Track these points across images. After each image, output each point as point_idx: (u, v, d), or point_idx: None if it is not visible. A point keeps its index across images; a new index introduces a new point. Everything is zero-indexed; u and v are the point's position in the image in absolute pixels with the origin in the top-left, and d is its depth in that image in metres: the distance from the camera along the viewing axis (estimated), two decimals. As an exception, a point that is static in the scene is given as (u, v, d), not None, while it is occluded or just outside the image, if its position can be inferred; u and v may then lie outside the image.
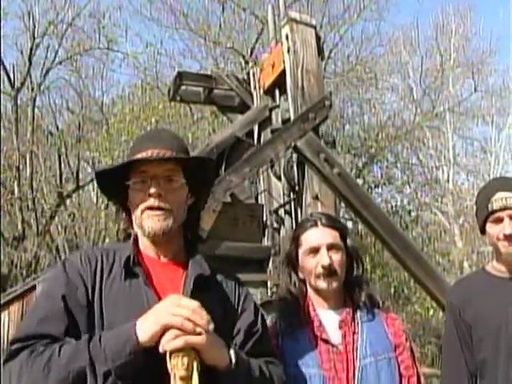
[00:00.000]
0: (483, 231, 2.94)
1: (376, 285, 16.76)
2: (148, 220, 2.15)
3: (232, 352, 2.05)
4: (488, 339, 2.83)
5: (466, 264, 20.26)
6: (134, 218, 2.22)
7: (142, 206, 2.16)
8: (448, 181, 22.71)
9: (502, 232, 2.80)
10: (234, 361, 2.03)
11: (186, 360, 1.87)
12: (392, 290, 17.20)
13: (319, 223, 2.71)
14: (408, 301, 17.85)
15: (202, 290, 2.11)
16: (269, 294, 7.19)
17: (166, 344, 1.88)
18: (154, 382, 1.94)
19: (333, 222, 2.75)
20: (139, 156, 2.18)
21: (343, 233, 2.74)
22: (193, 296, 2.05)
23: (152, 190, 2.14)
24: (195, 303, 1.94)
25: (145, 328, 1.90)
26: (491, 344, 2.82)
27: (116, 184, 2.23)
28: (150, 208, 2.15)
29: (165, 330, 1.89)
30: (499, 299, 2.87)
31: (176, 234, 2.25)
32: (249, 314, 2.27)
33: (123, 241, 2.32)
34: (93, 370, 1.86)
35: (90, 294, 2.08)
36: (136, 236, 2.25)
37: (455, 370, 2.98)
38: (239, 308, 2.27)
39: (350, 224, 16.01)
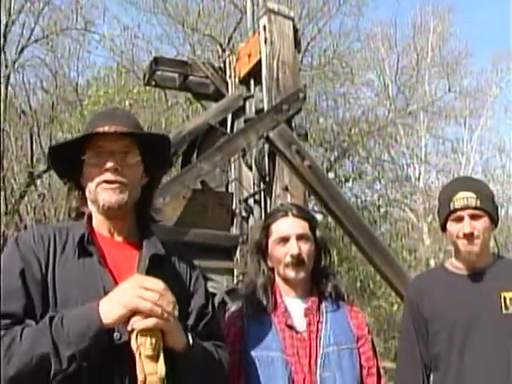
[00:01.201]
0: (444, 229, 3.02)
1: (342, 278, 16.89)
2: (103, 193, 2.15)
3: (189, 334, 2.09)
4: (443, 334, 2.91)
5: (432, 262, 20.48)
6: (88, 193, 2.21)
7: (97, 180, 2.16)
8: (418, 179, 22.93)
9: (462, 231, 2.88)
10: (191, 343, 2.07)
11: (153, 340, 1.90)
12: (358, 283, 17.35)
13: (290, 213, 2.77)
14: (373, 295, 18.02)
15: (157, 270, 2.12)
16: (234, 281, 7.24)
17: (136, 323, 1.89)
18: (114, 361, 1.96)
19: (303, 213, 2.81)
20: (92, 131, 2.18)
21: (313, 224, 2.81)
22: (148, 275, 2.06)
23: (109, 164, 2.14)
24: (162, 285, 1.95)
25: (111, 310, 1.89)
26: (446, 338, 2.90)
27: (70, 160, 2.22)
28: (106, 182, 2.15)
29: (132, 313, 1.90)
30: (456, 295, 2.96)
31: (130, 212, 2.27)
32: (200, 297, 2.31)
33: (75, 219, 2.29)
34: (57, 355, 1.84)
35: (43, 272, 2.06)
36: (90, 214, 2.25)
37: (410, 362, 3.07)
38: (191, 289, 2.31)
39: (319, 217, 16.09)
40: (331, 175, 16.88)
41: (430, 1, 26.80)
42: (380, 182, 18.84)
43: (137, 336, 1.88)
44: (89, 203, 2.25)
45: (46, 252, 2.10)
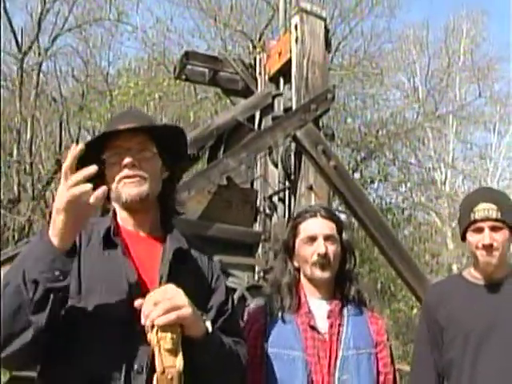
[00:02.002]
0: (464, 238, 3.04)
1: (364, 279, 16.86)
2: (125, 187, 2.22)
3: (208, 323, 2.12)
4: (457, 341, 2.93)
5: (454, 266, 20.35)
6: (111, 192, 2.25)
7: (118, 177, 2.22)
8: (445, 183, 22.79)
9: (482, 242, 2.90)
10: (209, 330, 2.11)
11: (174, 335, 1.94)
12: (379, 285, 17.29)
13: (318, 214, 2.81)
14: (394, 298, 17.95)
15: (180, 264, 2.18)
16: (255, 278, 7.28)
17: (157, 318, 1.92)
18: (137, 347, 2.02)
19: (331, 215, 2.85)
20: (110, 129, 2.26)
21: (340, 226, 2.85)
22: (171, 269, 2.13)
23: (126, 160, 2.20)
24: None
25: (54, 227, 1.93)
26: (460, 345, 2.92)
27: (92, 163, 2.25)
28: (126, 177, 2.21)
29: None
30: (472, 304, 2.98)
31: (152, 206, 2.33)
32: (220, 293, 2.35)
33: (101, 215, 2.35)
34: (24, 285, 1.88)
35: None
36: (114, 211, 2.31)
37: (424, 369, 3.09)
38: (212, 285, 2.35)
39: (342, 216, 16.08)
40: (357, 176, 16.84)
41: (465, 4, 26.60)
42: (406, 184, 18.76)
43: (157, 330, 1.92)
44: (113, 203, 2.32)
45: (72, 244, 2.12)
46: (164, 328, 1.93)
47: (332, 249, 2.73)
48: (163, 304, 1.94)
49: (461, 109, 23.14)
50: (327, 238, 2.74)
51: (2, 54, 16.01)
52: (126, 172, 2.21)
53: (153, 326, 1.94)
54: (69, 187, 1.88)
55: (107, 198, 2.31)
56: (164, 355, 1.92)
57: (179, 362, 1.94)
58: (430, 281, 7.94)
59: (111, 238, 2.18)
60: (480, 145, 25.56)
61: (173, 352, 1.93)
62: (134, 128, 2.25)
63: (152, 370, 1.95)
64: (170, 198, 2.42)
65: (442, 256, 20.53)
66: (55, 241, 1.92)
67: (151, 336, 1.94)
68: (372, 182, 17.20)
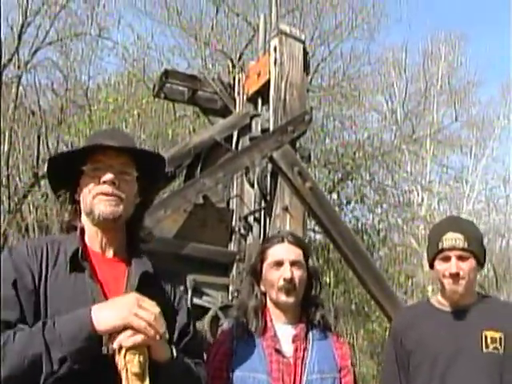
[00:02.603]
0: (432, 266, 3.11)
1: (338, 300, 16.89)
2: (100, 204, 2.24)
3: (173, 347, 2.18)
4: (424, 366, 3.00)
5: (429, 288, 20.45)
6: (83, 205, 2.29)
7: (94, 192, 2.24)
8: (421, 205, 22.93)
9: (449, 270, 2.98)
10: (175, 355, 2.16)
11: (141, 357, 1.97)
12: (353, 306, 17.32)
13: (286, 240, 2.88)
14: (368, 318, 17.98)
15: (145, 288, 2.20)
16: (229, 298, 7.29)
17: (124, 341, 1.96)
18: (101, 373, 2.01)
19: (298, 241, 2.92)
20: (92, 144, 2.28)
21: (306, 253, 2.90)
22: (137, 292, 2.15)
23: (107, 176, 2.23)
24: (157, 309, 2.03)
25: (105, 319, 1.96)
26: (426, 371, 2.98)
27: (66, 173, 2.31)
28: (103, 194, 2.23)
29: (124, 327, 1.97)
30: (439, 330, 3.05)
31: (121, 228, 2.35)
32: (182, 315, 2.40)
33: (67, 232, 2.35)
34: (48, 356, 1.89)
35: (36, 284, 2.12)
36: (82, 228, 2.32)
37: None
38: (175, 308, 2.39)
39: (318, 237, 16.11)
40: (334, 196, 16.89)
41: (442, 28, 26.91)
42: (381, 206, 18.85)
43: (125, 353, 1.95)
44: (82, 216, 2.33)
45: (38, 264, 2.16)
46: (132, 351, 1.96)
47: (298, 274, 2.79)
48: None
49: (437, 132, 23.35)
50: (293, 263, 2.80)
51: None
52: (104, 188, 2.23)
53: (120, 349, 1.96)
54: (140, 317, 1.97)
55: (75, 210, 2.34)
56: (131, 379, 1.94)
57: None
58: (404, 303, 8.00)
59: (78, 261, 2.18)
60: (456, 168, 25.79)
61: (140, 376, 1.96)
62: (120, 147, 2.28)
63: None
64: (139, 224, 2.44)
65: (417, 277, 20.61)
66: (98, 328, 1.95)
67: (119, 359, 1.96)
68: (348, 202, 17.25)
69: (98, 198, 2.24)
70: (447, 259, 2.99)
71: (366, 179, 18.14)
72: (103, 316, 1.96)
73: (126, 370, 1.94)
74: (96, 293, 2.13)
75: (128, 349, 1.96)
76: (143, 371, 1.97)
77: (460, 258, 2.97)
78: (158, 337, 2.00)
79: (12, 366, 1.90)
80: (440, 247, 3.00)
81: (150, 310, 2.00)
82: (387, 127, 20.88)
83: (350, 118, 18.28)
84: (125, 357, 1.95)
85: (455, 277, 2.97)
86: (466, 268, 2.98)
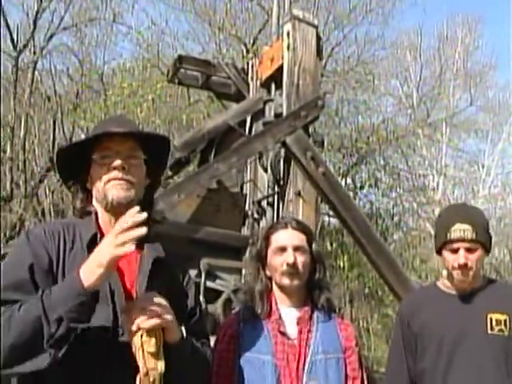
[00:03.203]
0: (439, 252, 3.15)
1: (352, 283, 16.93)
2: (112, 189, 2.28)
3: (183, 328, 2.25)
4: (430, 349, 3.05)
5: (444, 272, 20.40)
6: (95, 192, 2.33)
7: (105, 178, 2.28)
8: (435, 189, 22.88)
9: (457, 261, 3.02)
10: (184, 335, 2.23)
11: (157, 338, 2.06)
12: (367, 290, 17.36)
13: (289, 226, 2.94)
14: (382, 302, 18.02)
15: (156, 272, 2.27)
16: (242, 281, 7.37)
17: (142, 323, 2.03)
18: (115, 355, 2.09)
19: (302, 227, 2.98)
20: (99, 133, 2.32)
21: (310, 238, 2.96)
22: (149, 276, 2.22)
23: (117, 162, 2.27)
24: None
25: (91, 270, 2.02)
26: (433, 353, 3.03)
27: (76, 163, 2.36)
28: (114, 179, 2.28)
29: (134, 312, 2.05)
30: (445, 313, 3.09)
31: None
32: (191, 298, 2.47)
33: (80, 217, 2.40)
34: (46, 318, 1.96)
35: (54, 266, 2.18)
36: (96, 214, 2.37)
37: (397, 376, 3.20)
38: (184, 290, 2.46)
39: (332, 221, 16.13)
40: (348, 181, 16.89)
41: (460, 11, 26.71)
42: (396, 190, 18.82)
43: (141, 334, 2.03)
44: (95, 204, 2.38)
45: (56, 247, 2.22)
46: (148, 332, 2.04)
47: (301, 259, 2.86)
48: (150, 309, 2.06)
49: (453, 116, 23.25)
50: (296, 248, 2.87)
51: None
52: (115, 174, 2.28)
53: (137, 330, 2.03)
54: (115, 246, 2.00)
55: (87, 198, 2.40)
56: (147, 358, 2.02)
57: (161, 364, 2.05)
58: (417, 287, 8.03)
59: (95, 247, 2.19)
60: (471, 152, 25.68)
61: (155, 355, 2.04)
62: (126, 132, 2.33)
63: (133, 372, 2.05)
64: (149, 205, 2.48)
65: (431, 261, 20.60)
66: (87, 284, 2.00)
67: (135, 339, 2.04)
68: (362, 187, 17.24)
69: (111, 183, 2.28)
70: (455, 251, 3.04)
71: (380, 164, 18.12)
72: (88, 269, 2.02)
73: (143, 350, 2.03)
74: (112, 276, 2.18)
75: (145, 330, 2.04)
76: (158, 351, 2.06)
77: (468, 250, 3.01)
78: (170, 317, 2.09)
79: (17, 332, 1.97)
80: (448, 238, 3.04)
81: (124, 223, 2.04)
82: (402, 111, 20.86)
83: (364, 102, 18.23)
84: (141, 337, 2.03)
85: (463, 268, 3.01)
86: (474, 258, 3.02)
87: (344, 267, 15.12)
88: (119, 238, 2.00)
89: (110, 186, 2.28)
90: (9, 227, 15.68)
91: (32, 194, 16.42)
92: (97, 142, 2.32)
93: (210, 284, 7.00)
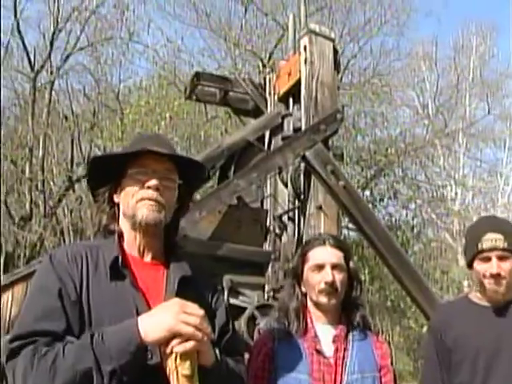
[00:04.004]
0: (470, 266, 3.11)
1: (373, 296, 16.85)
2: (143, 208, 2.23)
3: (217, 350, 2.20)
4: (466, 363, 2.99)
5: (465, 283, 20.30)
6: (125, 207, 2.29)
7: (138, 196, 2.24)
8: (454, 200, 22.77)
9: (489, 271, 2.98)
10: (219, 358, 2.18)
11: (191, 361, 2.00)
12: (389, 303, 17.28)
13: (327, 243, 2.89)
14: (403, 315, 17.93)
15: (184, 291, 2.21)
16: (265, 297, 7.33)
17: (176, 347, 1.97)
18: (147, 380, 2.03)
19: (339, 244, 2.94)
20: (140, 148, 2.28)
21: (347, 255, 2.92)
22: (177, 297, 2.15)
23: (153, 182, 2.23)
24: (201, 312, 2.04)
25: (153, 330, 1.97)
26: (469, 368, 2.98)
27: (105, 174, 2.32)
28: (147, 199, 2.23)
29: (174, 335, 1.98)
30: (480, 326, 3.04)
31: (160, 233, 2.35)
32: (221, 315, 2.41)
33: (104, 237, 2.36)
34: (98, 369, 1.91)
35: (78, 292, 2.12)
36: (120, 233, 2.32)
37: None
38: (213, 307, 2.40)
39: (352, 234, 16.09)
40: (367, 193, 16.87)
41: (474, 20, 26.66)
42: (415, 202, 18.76)
43: (176, 357, 1.98)
44: (121, 219, 2.34)
45: (79, 272, 2.17)
46: (183, 355, 2.00)
47: (339, 277, 2.81)
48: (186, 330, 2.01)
49: (470, 125, 23.17)
50: (334, 266, 2.82)
51: (13, 72, 16.20)
52: (149, 193, 2.24)
53: (171, 353, 2.00)
54: (181, 321, 1.98)
55: (112, 212, 2.36)
56: (182, 381, 1.98)
57: None
58: (438, 299, 7.97)
59: (119, 269, 2.20)
60: (490, 161, 25.56)
61: (190, 378, 1.99)
62: (168, 154, 2.30)
63: None
64: (175, 229, 2.46)
65: (452, 272, 20.48)
66: (146, 340, 1.97)
67: (169, 362, 2.00)
68: (381, 199, 17.22)
69: (143, 202, 2.24)
70: (487, 260, 2.99)
71: (398, 175, 18.10)
72: (151, 327, 1.97)
73: (177, 373, 1.98)
74: (138, 299, 2.15)
75: (179, 352, 2.00)
76: (193, 374, 2.01)
77: (500, 259, 2.97)
78: (205, 338, 2.04)
79: (64, 381, 1.92)
80: (480, 248, 3.00)
81: (195, 313, 2.02)
82: (419, 122, 20.82)
83: (382, 114, 18.23)
84: (175, 360, 2.00)
85: (496, 277, 2.96)
86: (507, 268, 2.97)
87: (365, 280, 15.03)
88: (182, 316, 1.99)
89: (141, 204, 2.25)
90: (28, 247, 15.77)
91: (51, 214, 16.51)
92: (134, 157, 2.29)
93: (233, 301, 6.95)
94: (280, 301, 3.04)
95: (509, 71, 26.46)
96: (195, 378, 2.01)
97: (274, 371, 2.73)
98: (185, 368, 1.99)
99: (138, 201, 2.25)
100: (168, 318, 1.99)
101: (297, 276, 2.94)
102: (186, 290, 2.24)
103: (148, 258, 2.33)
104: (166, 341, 2.00)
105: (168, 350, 1.99)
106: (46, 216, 16.22)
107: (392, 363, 2.91)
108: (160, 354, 2.03)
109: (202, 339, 2.02)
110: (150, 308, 2.14)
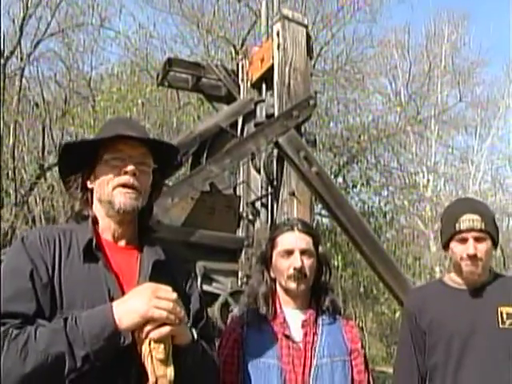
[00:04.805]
0: (446, 247, 3.11)
1: (346, 283, 16.95)
2: (120, 196, 2.22)
3: (194, 330, 2.20)
4: (440, 345, 3.01)
5: (437, 269, 20.47)
6: (100, 194, 2.27)
7: (114, 182, 2.23)
8: (426, 186, 22.92)
9: (466, 252, 2.99)
10: (195, 338, 2.19)
11: (165, 344, 2.01)
12: (362, 289, 17.39)
13: (295, 228, 2.87)
14: (376, 301, 18.06)
15: (158, 275, 2.20)
16: (239, 283, 7.34)
17: (151, 332, 1.98)
18: (119, 362, 2.03)
19: (308, 229, 2.91)
20: (115, 133, 2.25)
21: (316, 240, 2.91)
22: (150, 281, 2.14)
23: (130, 167, 2.22)
24: (174, 295, 2.04)
25: (127, 317, 1.97)
26: (443, 349, 3.00)
27: (77, 160, 2.29)
28: (124, 185, 2.22)
29: (146, 320, 1.98)
30: (454, 308, 3.06)
31: (134, 218, 2.34)
32: (195, 300, 2.41)
33: (77, 222, 2.33)
34: (71, 354, 1.90)
35: (50, 274, 2.10)
36: (94, 217, 2.30)
37: (407, 373, 3.17)
38: (187, 294, 2.39)
39: (325, 220, 16.15)
40: (339, 180, 16.92)
41: (446, 8, 26.79)
42: (387, 188, 18.87)
43: (150, 342, 1.98)
44: (95, 205, 2.32)
45: (52, 254, 2.15)
46: (157, 339, 1.99)
47: (308, 263, 2.80)
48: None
49: (442, 113, 23.32)
50: (303, 252, 2.80)
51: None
52: (126, 179, 2.22)
53: (145, 338, 1.99)
54: (153, 306, 1.98)
55: (85, 198, 2.33)
56: (156, 365, 1.98)
57: (170, 371, 2.01)
58: (411, 285, 8.03)
59: (92, 251, 2.18)
60: (461, 148, 25.76)
61: (164, 362, 2.00)
62: (143, 139, 2.29)
63: (139, 380, 2.02)
64: (149, 213, 2.44)
65: (424, 259, 20.64)
66: (121, 326, 1.96)
67: (144, 347, 1.99)
68: (354, 186, 17.27)
69: (119, 189, 2.22)
70: (464, 240, 3.00)
71: (371, 162, 18.19)
72: (124, 313, 1.97)
73: (151, 357, 1.98)
74: (110, 281, 2.13)
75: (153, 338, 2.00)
76: (167, 357, 2.01)
77: (477, 240, 2.98)
78: (178, 322, 2.03)
79: (35, 364, 1.90)
80: (457, 228, 3.00)
81: (167, 297, 2.02)
82: (391, 109, 20.86)
83: (354, 101, 18.26)
84: (150, 344, 1.99)
85: (473, 258, 2.98)
86: (483, 249, 2.99)
87: (338, 267, 15.11)
88: (155, 301, 1.99)
89: (117, 191, 2.23)
90: (0, 235, 15.61)
91: (22, 202, 16.34)
92: (107, 142, 2.26)
93: (206, 287, 6.95)
94: (249, 286, 3.03)
95: (480, 59, 26.73)
96: (170, 362, 2.01)
97: (243, 356, 2.72)
98: (159, 352, 1.99)
99: (114, 187, 2.24)
100: (140, 304, 1.99)
101: (265, 261, 2.92)
102: (159, 274, 2.23)
103: (122, 242, 2.32)
104: (140, 326, 1.99)
105: (143, 336, 1.99)
106: (18, 204, 16.05)
107: (363, 346, 2.91)
108: (134, 338, 2.01)
109: (175, 323, 2.01)
110: (122, 290, 2.14)
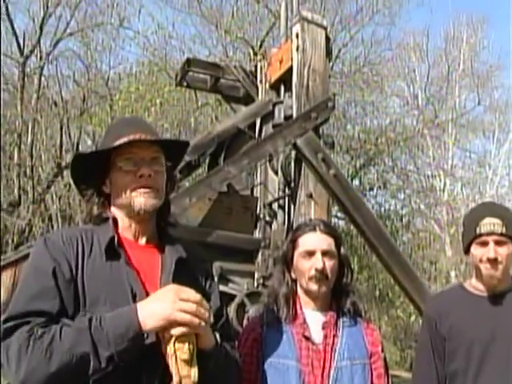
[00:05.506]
0: (467, 251, 3.10)
1: (362, 286, 16.89)
2: (140, 198, 2.23)
3: (217, 334, 2.20)
4: (461, 351, 2.98)
5: (452, 273, 20.38)
6: (117, 198, 2.29)
7: (131, 186, 2.24)
8: (443, 190, 22.81)
9: (486, 255, 2.96)
10: (219, 342, 2.18)
11: (190, 344, 2.00)
12: (377, 292, 17.33)
13: (317, 229, 2.84)
14: (391, 304, 17.99)
15: (179, 274, 2.21)
16: (255, 284, 7.33)
17: (174, 330, 1.98)
18: (143, 361, 2.03)
19: (330, 230, 2.88)
20: (126, 139, 2.25)
21: (338, 241, 2.88)
22: (173, 278, 2.17)
23: (145, 171, 2.23)
24: (198, 296, 2.04)
25: (151, 319, 1.97)
26: (463, 356, 2.97)
27: (92, 169, 2.30)
28: (143, 187, 2.23)
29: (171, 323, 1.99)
30: (475, 315, 3.03)
31: (153, 216, 2.35)
32: (215, 300, 2.41)
33: (96, 224, 2.34)
34: (96, 355, 1.91)
35: (73, 272, 2.12)
36: (114, 218, 2.31)
37: (426, 378, 3.14)
38: (208, 293, 2.38)
39: (342, 223, 16.12)
40: (356, 182, 16.89)
41: (465, 11, 26.67)
42: (404, 191, 18.80)
43: (174, 341, 1.98)
44: (113, 208, 2.33)
45: (74, 253, 2.16)
46: (181, 338, 1.99)
47: (329, 264, 2.77)
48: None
49: (460, 117, 23.21)
50: (325, 253, 2.78)
51: (1, 57, 16.06)
52: (143, 182, 2.23)
53: (170, 338, 1.99)
54: (178, 309, 1.98)
55: (102, 203, 2.34)
56: (180, 365, 1.98)
57: (194, 372, 2.00)
58: (427, 289, 8.00)
59: (114, 249, 2.19)
60: (479, 152, 25.62)
61: (188, 362, 1.99)
62: (155, 140, 2.30)
63: (163, 380, 2.02)
64: (167, 209, 2.45)
65: (440, 263, 20.55)
66: (145, 328, 1.97)
67: (169, 346, 1.99)
68: (371, 188, 17.25)
69: (138, 191, 2.24)
70: (485, 244, 2.97)
71: (388, 165, 18.13)
72: (148, 316, 1.97)
73: (176, 357, 1.98)
74: (132, 278, 2.14)
75: (177, 337, 2.00)
76: (192, 358, 2.01)
77: (498, 243, 2.96)
78: (203, 323, 2.03)
79: (60, 364, 1.91)
80: (478, 232, 2.98)
81: (191, 299, 2.01)
82: (409, 112, 20.82)
83: (372, 103, 18.21)
84: (174, 344, 1.99)
85: (493, 262, 2.95)
86: (504, 253, 2.96)
87: (353, 269, 15.05)
88: (179, 304, 1.99)
89: (136, 193, 2.25)
90: (17, 233, 15.71)
91: (40, 200, 16.44)
92: (118, 147, 2.27)
93: (222, 288, 6.95)
94: (270, 287, 3.01)
95: (499, 63, 26.61)
96: (194, 362, 2.00)
97: (261, 357, 2.70)
98: (183, 352, 1.99)
99: (132, 190, 2.25)
100: (164, 307, 1.99)
101: (287, 262, 2.90)
102: (181, 271, 2.24)
103: (142, 240, 2.33)
104: (164, 328, 1.99)
105: (167, 335, 1.99)
106: (35, 202, 16.15)
107: (383, 350, 2.89)
108: (158, 338, 2.01)
109: (200, 325, 2.01)
110: (144, 287, 2.15)
